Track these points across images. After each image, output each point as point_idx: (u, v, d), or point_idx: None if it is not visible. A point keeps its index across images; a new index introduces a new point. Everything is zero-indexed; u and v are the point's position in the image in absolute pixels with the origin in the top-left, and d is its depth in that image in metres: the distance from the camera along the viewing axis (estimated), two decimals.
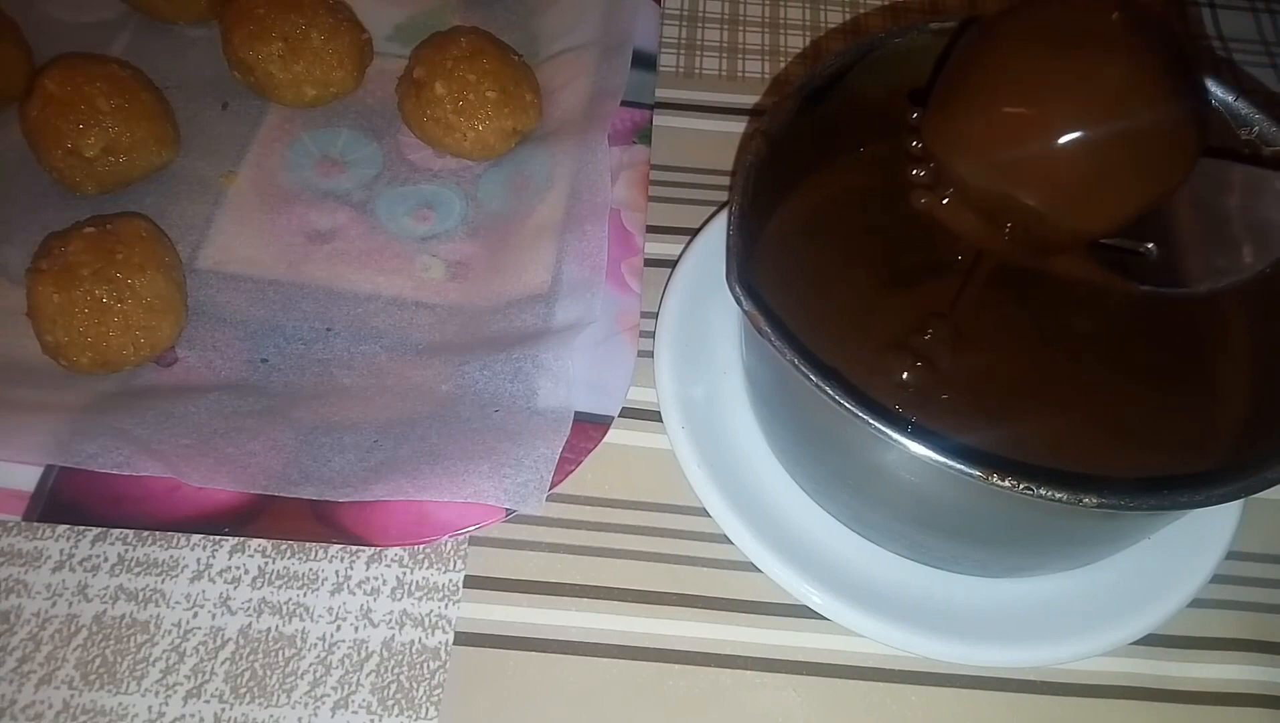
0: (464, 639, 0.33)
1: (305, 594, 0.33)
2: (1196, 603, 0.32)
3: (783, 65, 0.50)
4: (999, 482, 0.24)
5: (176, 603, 0.33)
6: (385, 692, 0.32)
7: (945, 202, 0.29)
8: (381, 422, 0.35)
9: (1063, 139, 0.25)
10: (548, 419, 0.35)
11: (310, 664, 0.32)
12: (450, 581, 0.34)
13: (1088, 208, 0.27)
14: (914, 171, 0.30)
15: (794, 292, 0.31)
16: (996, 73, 0.27)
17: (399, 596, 0.33)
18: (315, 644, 0.32)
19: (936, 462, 0.25)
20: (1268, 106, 0.31)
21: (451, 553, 0.34)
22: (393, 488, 0.33)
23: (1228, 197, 0.28)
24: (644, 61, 0.46)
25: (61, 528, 0.34)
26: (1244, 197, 0.28)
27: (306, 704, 0.31)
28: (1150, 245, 0.28)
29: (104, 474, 0.33)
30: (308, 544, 0.34)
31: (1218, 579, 0.33)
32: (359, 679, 0.32)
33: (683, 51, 0.50)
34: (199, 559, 0.34)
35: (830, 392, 0.26)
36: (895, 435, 0.25)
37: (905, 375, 0.30)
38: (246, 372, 0.37)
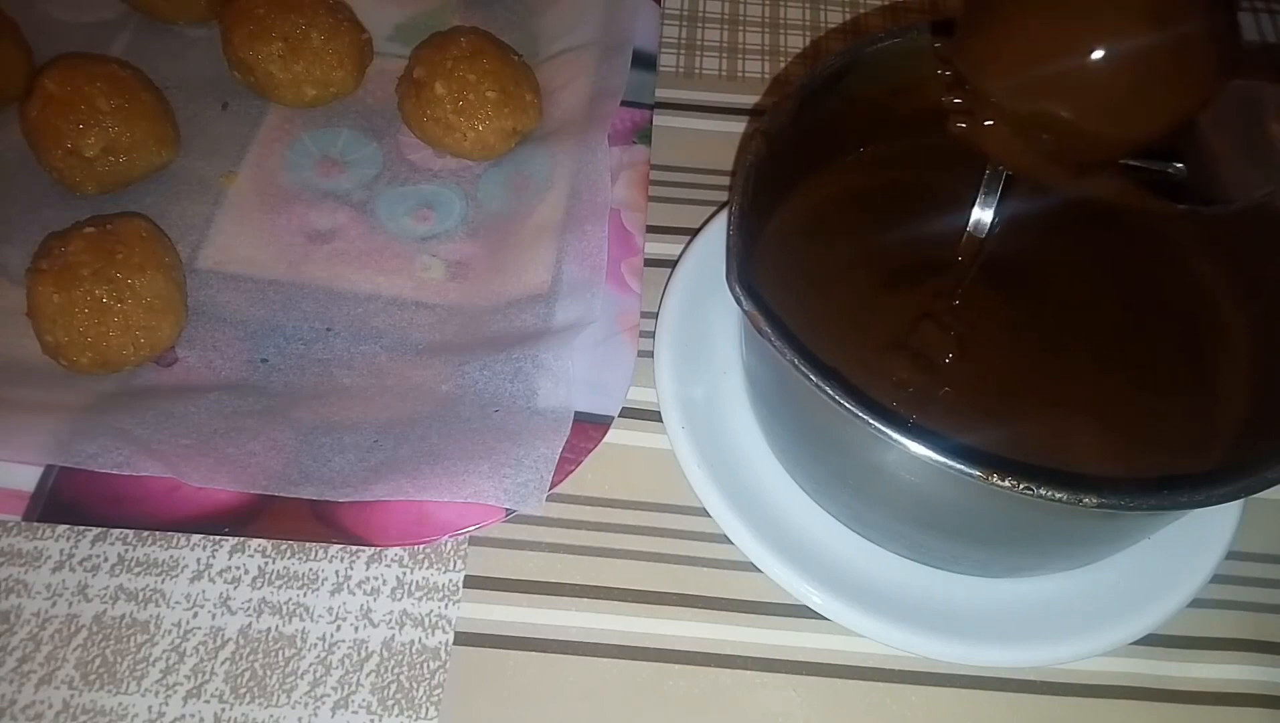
0: (464, 639, 0.33)
1: (305, 594, 0.33)
2: (1196, 603, 0.32)
3: (783, 65, 0.50)
4: (999, 482, 0.24)
5: (176, 603, 0.33)
6: (385, 692, 0.32)
7: (983, 124, 0.28)
8: (381, 422, 0.35)
9: (1098, 49, 0.25)
10: (548, 419, 0.35)
11: (310, 664, 0.32)
12: (450, 581, 0.34)
13: (1126, 116, 0.26)
14: (947, 99, 0.29)
15: (794, 292, 0.31)
16: None
17: (399, 596, 0.33)
18: (315, 644, 0.32)
19: (936, 462, 0.25)
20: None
21: (451, 553, 0.34)
22: (393, 488, 0.33)
23: (1253, 113, 0.28)
24: (644, 61, 0.46)
25: (61, 528, 0.34)
26: (1264, 111, 0.28)
27: (306, 704, 0.31)
28: (1179, 165, 0.28)
29: (104, 474, 0.33)
30: (308, 544, 0.34)
31: (1218, 579, 0.33)
32: (359, 679, 0.32)
33: (683, 51, 0.50)
34: (199, 559, 0.34)
35: (830, 392, 0.26)
36: (895, 435, 0.25)
37: (905, 375, 0.30)
38: (246, 372, 0.37)
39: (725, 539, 0.33)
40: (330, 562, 0.34)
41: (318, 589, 0.33)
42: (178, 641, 0.32)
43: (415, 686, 0.32)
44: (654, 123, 0.45)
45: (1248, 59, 0.29)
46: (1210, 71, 0.26)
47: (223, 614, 0.33)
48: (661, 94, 0.47)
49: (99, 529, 0.34)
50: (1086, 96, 0.26)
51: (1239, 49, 0.26)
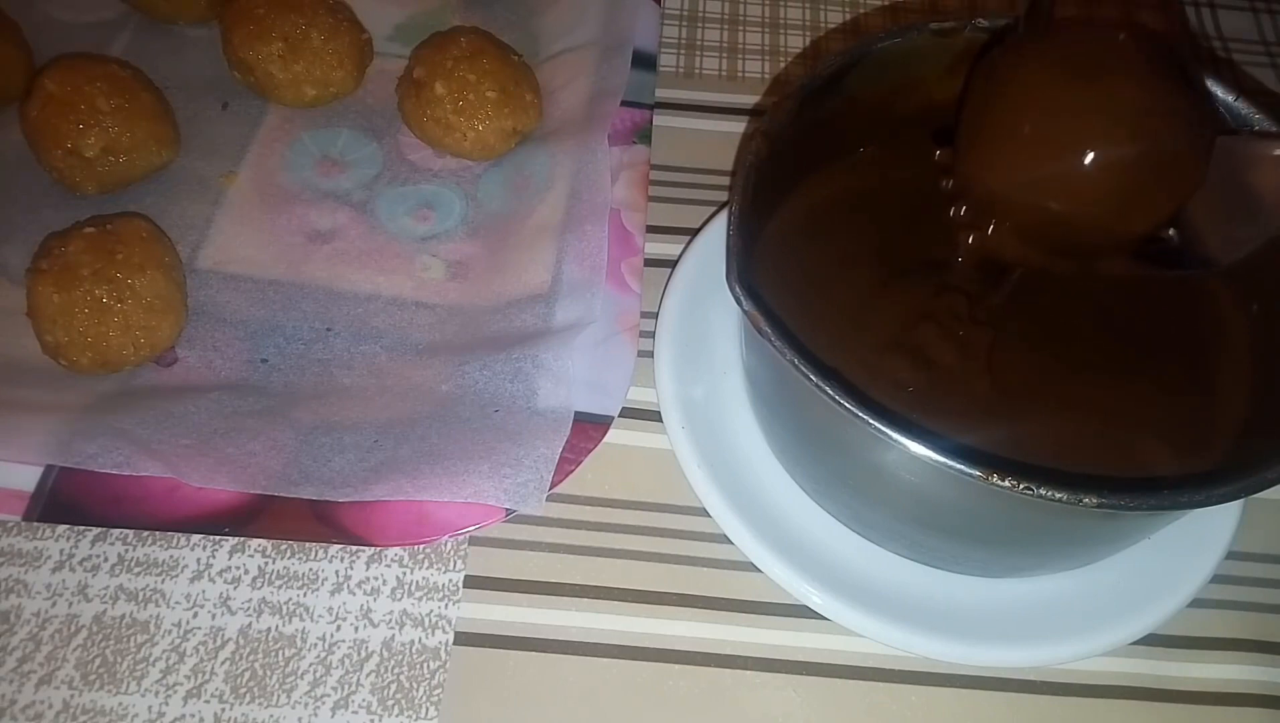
0: (464, 639, 0.33)
1: (305, 594, 0.33)
2: (1196, 603, 0.32)
3: (783, 65, 0.50)
4: (999, 482, 0.24)
5: (176, 603, 0.33)
6: (385, 692, 0.32)
7: (991, 232, 0.30)
8: (381, 422, 0.35)
9: (1096, 154, 0.27)
10: (548, 419, 0.35)
11: (310, 664, 0.32)
12: (450, 581, 0.34)
13: (1124, 216, 0.28)
14: (953, 212, 0.31)
15: (794, 292, 0.31)
16: (1023, 97, 0.28)
17: (399, 596, 0.33)
18: (315, 644, 0.32)
19: (936, 462, 0.25)
20: (1268, 106, 0.31)
21: (451, 553, 0.34)
22: (393, 488, 0.33)
23: (1234, 169, 0.29)
24: (644, 61, 0.46)
25: (61, 528, 0.34)
26: (1243, 162, 0.29)
27: (306, 704, 0.31)
28: (1172, 231, 0.29)
29: (104, 474, 0.33)
30: (308, 544, 0.34)
31: (1218, 579, 0.33)
32: (359, 679, 0.32)
33: (683, 51, 0.50)
34: (199, 559, 0.34)
35: (830, 392, 0.26)
36: (895, 435, 0.25)
37: (905, 375, 0.30)
38: (246, 372, 0.37)
39: (725, 539, 0.33)
40: (330, 562, 0.34)
41: (318, 589, 0.33)
42: (178, 641, 0.32)
43: (415, 686, 0.32)
44: (654, 123, 0.45)
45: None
46: (1202, 158, 0.27)
47: (223, 614, 0.33)
48: (661, 94, 0.47)
49: (99, 529, 0.34)
50: (1086, 200, 0.28)
51: (1216, 135, 0.27)
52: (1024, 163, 0.28)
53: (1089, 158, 0.26)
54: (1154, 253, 0.29)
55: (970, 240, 0.30)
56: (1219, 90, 0.31)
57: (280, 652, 0.32)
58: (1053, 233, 0.29)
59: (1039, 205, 0.28)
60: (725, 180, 0.45)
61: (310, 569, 0.34)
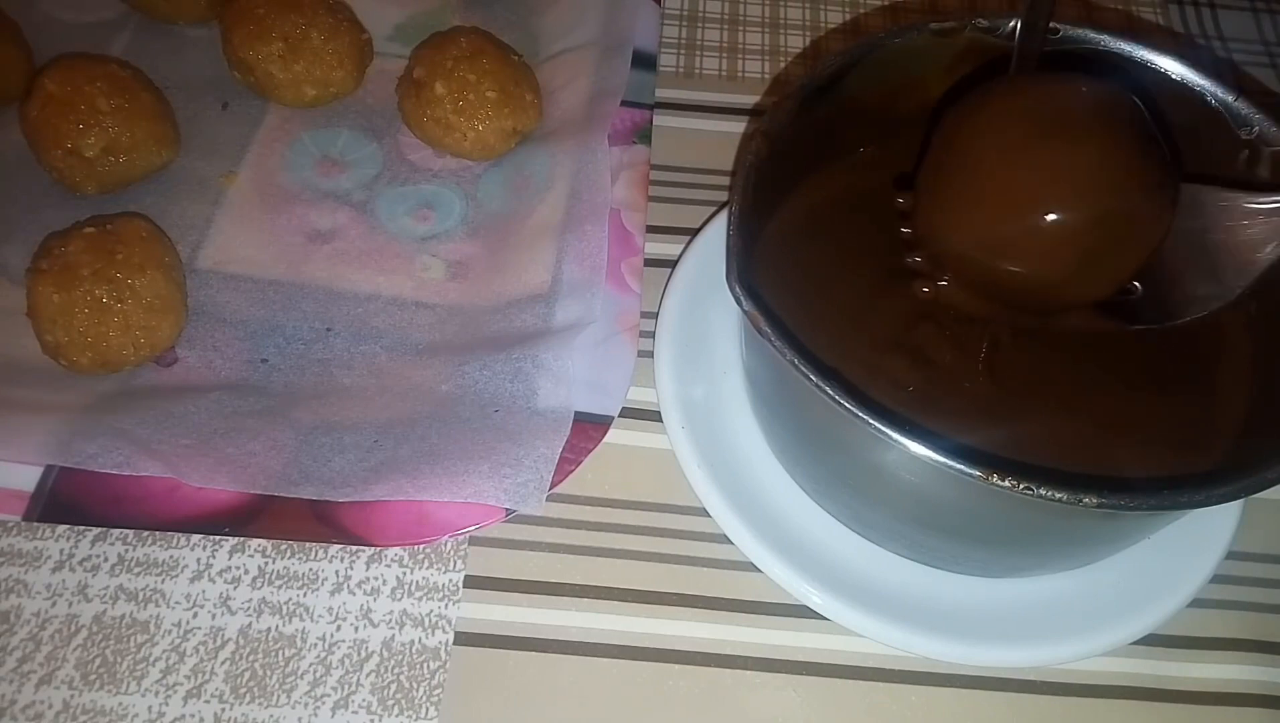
0: (464, 639, 0.33)
1: (305, 594, 0.33)
2: (1196, 603, 0.32)
3: (783, 65, 0.50)
4: (999, 482, 0.24)
5: (176, 603, 0.33)
6: (385, 692, 0.32)
7: (943, 285, 0.30)
8: (381, 422, 0.35)
9: (1051, 217, 0.26)
10: (548, 419, 0.35)
11: (310, 664, 0.32)
12: (450, 581, 0.34)
13: (1081, 279, 0.28)
14: (909, 259, 0.31)
15: (794, 292, 0.31)
16: (982, 155, 0.28)
17: (399, 596, 0.33)
18: (315, 644, 0.32)
19: (936, 462, 0.25)
20: (1268, 106, 0.31)
21: (451, 553, 0.34)
22: (393, 488, 0.33)
23: (1202, 222, 0.29)
24: (644, 61, 0.46)
25: (61, 528, 0.34)
26: (1217, 219, 0.29)
27: (306, 704, 0.31)
28: (1137, 285, 0.29)
29: (104, 474, 0.33)
30: (308, 544, 0.34)
31: (1218, 579, 0.33)
32: (359, 679, 0.32)
33: (683, 51, 0.50)
34: (199, 559, 0.34)
35: (830, 392, 0.26)
36: (895, 435, 0.25)
37: (904, 375, 0.30)
38: (246, 372, 0.37)
39: (725, 539, 0.33)
40: (330, 562, 0.34)
41: (318, 589, 0.33)
42: (178, 641, 0.32)
43: (415, 686, 0.32)
44: (654, 123, 0.45)
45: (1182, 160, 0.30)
46: (1156, 225, 0.27)
47: (223, 614, 0.33)
48: (661, 94, 0.47)
49: (99, 529, 0.34)
50: (1044, 262, 0.27)
51: (1178, 196, 0.27)
52: (981, 223, 0.28)
53: (1046, 222, 0.26)
54: (1116, 306, 0.29)
55: (925, 290, 0.30)
56: (1219, 91, 0.31)
57: (280, 652, 0.32)
58: (1010, 291, 0.29)
59: (995, 265, 0.28)
60: (725, 180, 0.45)
61: (310, 569, 0.34)
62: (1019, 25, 0.32)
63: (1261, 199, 0.28)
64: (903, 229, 0.31)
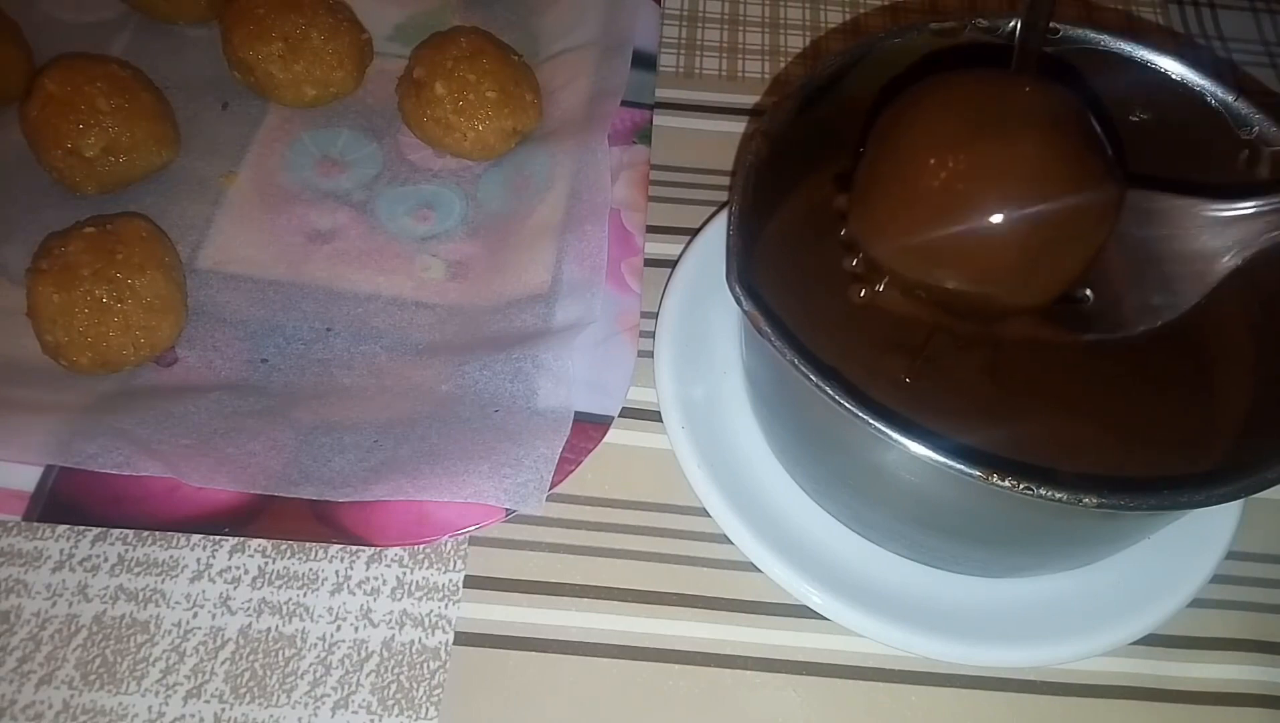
0: (464, 639, 0.33)
1: (305, 594, 0.33)
2: (1196, 603, 0.32)
3: (783, 65, 0.50)
4: (999, 482, 0.24)
5: (176, 603, 0.33)
6: (385, 692, 0.32)
7: (880, 289, 0.29)
8: (381, 422, 0.35)
9: (985, 221, 0.25)
10: (548, 419, 0.35)
11: (310, 664, 0.32)
12: (450, 581, 0.34)
13: (1019, 283, 0.26)
14: (848, 261, 0.29)
15: (794, 292, 0.31)
16: (914, 156, 0.26)
17: (399, 596, 0.33)
18: (315, 644, 0.32)
19: (936, 462, 0.25)
20: (1268, 106, 0.31)
21: (451, 553, 0.34)
22: (393, 488, 0.33)
23: (1155, 231, 0.28)
24: (644, 61, 0.46)
25: (61, 528, 0.34)
26: (1172, 227, 0.27)
27: (306, 704, 0.31)
28: (1087, 292, 0.28)
29: (104, 474, 0.33)
30: (308, 544, 0.34)
31: (1218, 579, 0.33)
32: (359, 679, 0.32)
33: (683, 51, 0.50)
34: (199, 559, 0.34)
35: (830, 392, 0.26)
36: (895, 435, 0.25)
37: (904, 375, 0.30)
38: (246, 372, 0.37)
39: (725, 539, 0.33)
40: (330, 562, 0.34)
41: (318, 589, 0.33)
42: (178, 641, 0.32)
43: (415, 686, 0.32)
44: (654, 123, 0.45)
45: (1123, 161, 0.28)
46: (1097, 229, 0.26)
47: (223, 614, 0.33)
48: (661, 94, 0.47)
49: (99, 529, 0.34)
50: (974, 267, 0.26)
51: (1121, 199, 0.26)
52: (913, 225, 0.26)
53: (979, 224, 0.25)
54: (1068, 314, 0.28)
55: (862, 295, 0.29)
56: (1219, 91, 0.31)
57: (280, 652, 0.32)
58: (947, 296, 0.27)
59: (930, 269, 0.27)
60: (725, 180, 0.45)
61: (310, 569, 0.34)
62: (1019, 24, 0.31)
63: (1218, 206, 0.27)
64: (840, 231, 0.29)
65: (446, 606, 0.33)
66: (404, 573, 0.34)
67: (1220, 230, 0.27)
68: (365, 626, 0.33)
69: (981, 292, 0.27)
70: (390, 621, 0.33)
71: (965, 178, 0.25)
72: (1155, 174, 0.29)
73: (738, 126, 0.47)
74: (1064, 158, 0.25)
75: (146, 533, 0.34)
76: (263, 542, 0.34)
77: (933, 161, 0.26)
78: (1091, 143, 0.26)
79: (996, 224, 0.25)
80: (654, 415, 0.37)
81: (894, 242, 0.27)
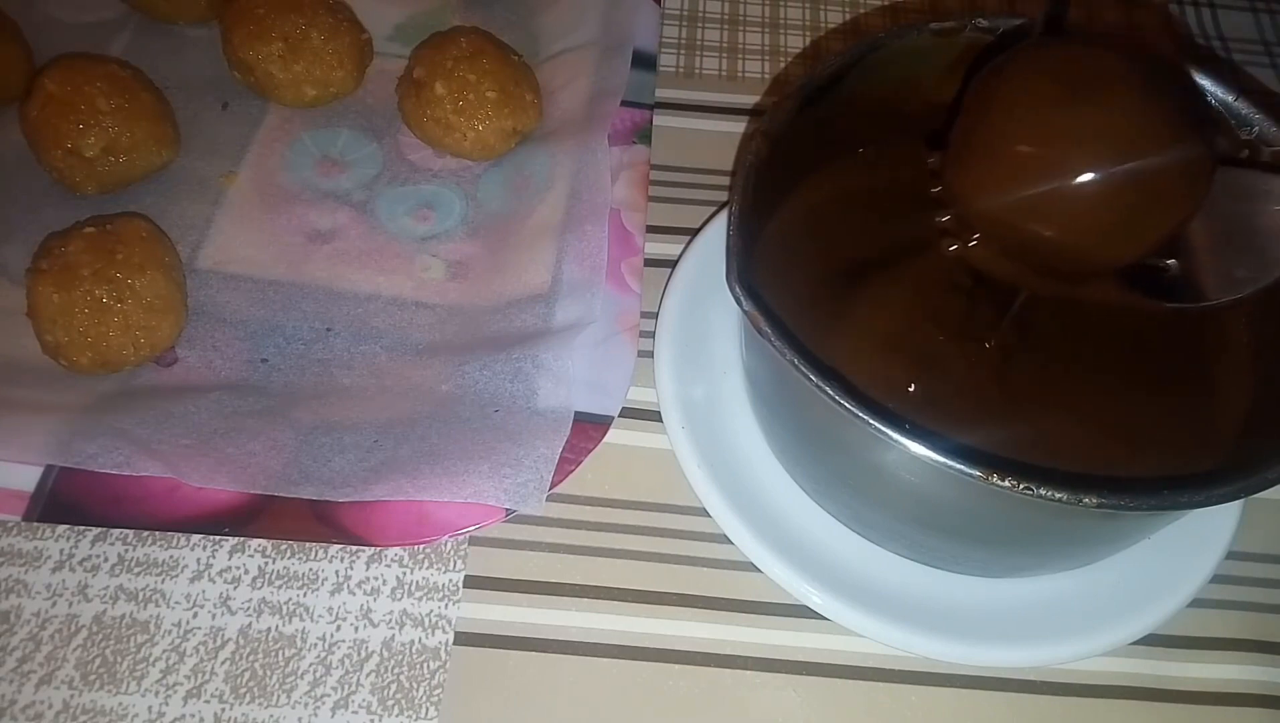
0: (464, 639, 0.33)
1: (305, 594, 0.33)
2: (1196, 603, 0.32)
3: (783, 65, 0.50)
4: (999, 482, 0.24)
5: (176, 603, 0.33)
6: (385, 692, 0.32)
7: (972, 245, 0.29)
8: (381, 422, 0.35)
9: (1080, 179, 0.26)
10: (548, 419, 0.35)
11: (310, 664, 0.32)
12: (450, 581, 0.34)
13: (1110, 242, 0.27)
14: (938, 217, 0.30)
15: (794, 292, 0.31)
16: (1011, 116, 0.27)
17: (399, 596, 0.33)
18: (315, 644, 0.32)
19: (936, 462, 0.25)
20: (1268, 106, 0.31)
21: (451, 553, 0.34)
22: (393, 488, 0.33)
23: (1241, 204, 0.28)
24: (644, 61, 0.46)
25: (61, 528, 0.34)
26: (1256, 203, 0.28)
27: (306, 704, 0.31)
28: (1171, 261, 0.28)
29: (104, 474, 0.33)
30: (308, 544, 0.34)
31: (1218, 579, 0.33)
32: (359, 679, 0.32)
33: (683, 51, 0.50)
34: (199, 559, 0.34)
35: (830, 392, 0.26)
36: (895, 435, 0.25)
37: (905, 376, 0.30)
38: (246, 372, 0.37)
39: (725, 539, 0.33)
40: (330, 562, 0.34)
41: (318, 589, 0.33)
42: (178, 641, 0.32)
43: (415, 686, 0.32)
44: (654, 123, 0.45)
45: (1233, 136, 0.29)
46: (1192, 191, 0.26)
47: (223, 614, 0.33)
48: (661, 94, 0.47)
49: (99, 529, 0.34)
50: (1070, 223, 0.27)
51: (1216, 162, 0.26)
52: (1010, 183, 0.27)
53: (1076, 182, 0.26)
54: (1149, 281, 0.29)
55: (953, 249, 0.29)
56: (1219, 90, 0.31)
57: (280, 652, 0.32)
58: (1037, 253, 0.28)
59: (1024, 226, 0.27)
60: (725, 180, 0.45)
61: (310, 569, 0.34)
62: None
63: None
64: (932, 189, 0.30)
65: (446, 606, 0.33)
66: (404, 573, 0.34)
67: None
68: (365, 626, 0.33)
69: (1071, 250, 0.27)
70: (390, 621, 0.33)
71: (1063, 136, 0.26)
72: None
73: (738, 126, 0.47)
74: (1160, 119, 0.26)
75: (146, 533, 0.34)
76: (263, 542, 0.34)
77: (1034, 119, 0.27)
78: (1187, 106, 0.26)
79: (1091, 181, 0.26)
80: (654, 415, 0.37)
81: (990, 198, 0.28)
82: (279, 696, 0.31)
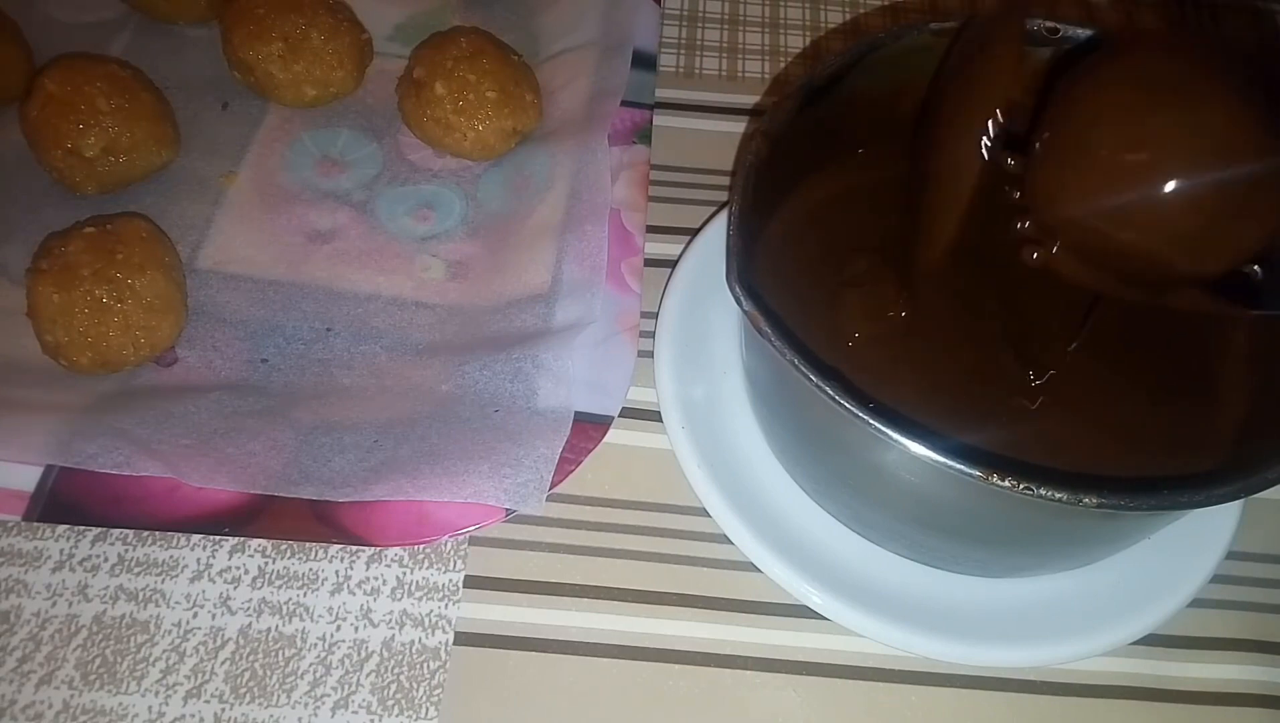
0: (464, 639, 0.33)
1: (305, 594, 0.33)
2: (1196, 603, 0.32)
3: (783, 65, 0.50)
4: (999, 482, 0.24)
5: (176, 603, 0.33)
6: (385, 692, 0.32)
7: (1055, 252, 0.28)
8: (381, 422, 0.35)
9: (1168, 187, 0.25)
10: (548, 419, 0.35)
11: (310, 664, 0.32)
12: (450, 581, 0.34)
13: (1198, 251, 0.26)
14: (1018, 225, 0.29)
15: (794, 292, 0.31)
16: (1101, 120, 0.27)
17: (399, 596, 0.33)
18: (315, 644, 0.32)
19: (936, 462, 0.25)
20: None
21: (451, 553, 0.34)
22: (393, 488, 0.33)
23: None
24: (644, 61, 0.46)
25: (61, 528, 0.34)
26: None
27: (306, 704, 0.31)
28: (1256, 267, 0.27)
29: (104, 474, 0.33)
30: (308, 544, 0.34)
31: (1218, 579, 0.33)
32: (359, 679, 0.32)
33: (683, 51, 0.50)
34: (199, 559, 0.34)
35: (830, 392, 0.26)
36: (895, 435, 0.25)
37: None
38: (246, 372, 0.37)
39: (725, 539, 0.33)
40: (330, 562, 0.34)
41: (318, 589, 0.33)
42: (178, 641, 0.32)
43: (415, 686, 0.32)
44: (654, 123, 0.45)
45: None
46: None
47: (223, 614, 0.33)
48: (661, 94, 0.47)
49: (99, 529, 0.34)
50: (1158, 232, 0.26)
51: None
52: (1099, 189, 0.26)
53: (1167, 189, 0.25)
54: (1233, 287, 0.28)
55: (1035, 257, 0.29)
56: None
57: (280, 652, 0.32)
58: (1123, 261, 0.28)
59: (1111, 233, 0.27)
60: (725, 180, 0.45)
61: (310, 569, 0.34)
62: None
63: None
64: (1013, 192, 0.29)
65: (446, 606, 0.33)
66: (404, 573, 0.34)
67: None
68: (365, 626, 0.33)
69: (1159, 258, 0.27)
70: (390, 621, 0.33)
71: (1154, 141, 0.26)
72: None
73: (738, 126, 0.47)
74: (1249, 126, 0.25)
75: (146, 533, 0.34)
76: (263, 542, 0.34)
77: (1122, 124, 0.26)
78: (1272, 106, 0.25)
79: (1183, 188, 0.25)
80: (654, 415, 0.37)
81: (1078, 204, 0.27)
82: (279, 696, 0.31)
